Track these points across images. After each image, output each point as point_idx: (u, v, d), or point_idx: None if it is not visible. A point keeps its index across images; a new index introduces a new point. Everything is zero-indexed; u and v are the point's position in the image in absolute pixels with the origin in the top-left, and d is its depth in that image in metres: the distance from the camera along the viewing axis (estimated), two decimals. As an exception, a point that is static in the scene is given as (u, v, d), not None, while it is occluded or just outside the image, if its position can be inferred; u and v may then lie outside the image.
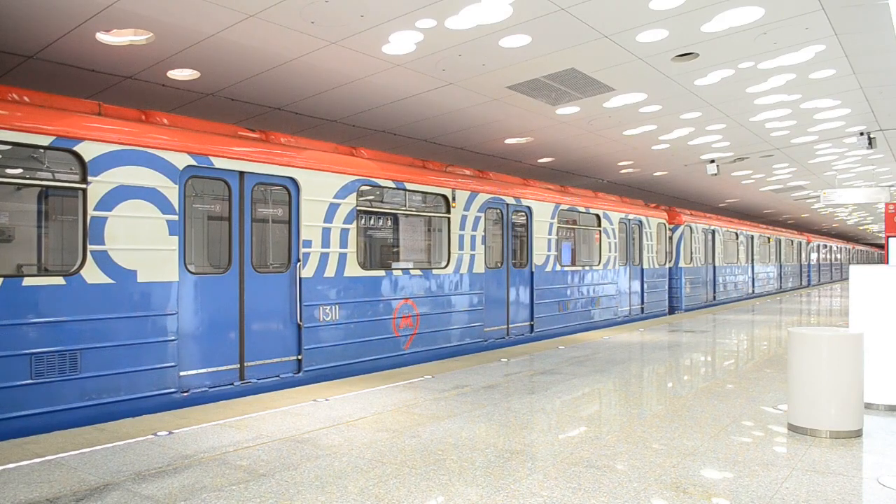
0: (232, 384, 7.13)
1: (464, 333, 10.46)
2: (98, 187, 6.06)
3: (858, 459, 4.74)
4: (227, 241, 7.26)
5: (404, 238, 10.62)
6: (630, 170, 18.81)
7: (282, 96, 10.25)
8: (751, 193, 25.94)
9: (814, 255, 39.71)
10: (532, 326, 12.18)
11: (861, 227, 49.59)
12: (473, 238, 10.67)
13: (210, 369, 6.99)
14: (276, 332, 7.64)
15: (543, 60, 8.94)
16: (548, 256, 12.56)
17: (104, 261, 6.10)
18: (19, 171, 6.18)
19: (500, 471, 4.41)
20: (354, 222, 8.59)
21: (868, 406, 6.13)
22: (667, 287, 18.33)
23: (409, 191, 9.65)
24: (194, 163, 6.84)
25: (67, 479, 4.27)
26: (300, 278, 7.84)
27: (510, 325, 11.63)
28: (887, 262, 16.64)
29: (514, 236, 11.86)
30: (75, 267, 5.97)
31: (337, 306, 8.31)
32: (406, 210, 9.93)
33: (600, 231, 14.65)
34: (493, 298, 11.20)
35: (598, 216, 14.57)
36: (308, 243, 7.95)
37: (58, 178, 6.22)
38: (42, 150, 5.96)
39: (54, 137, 5.79)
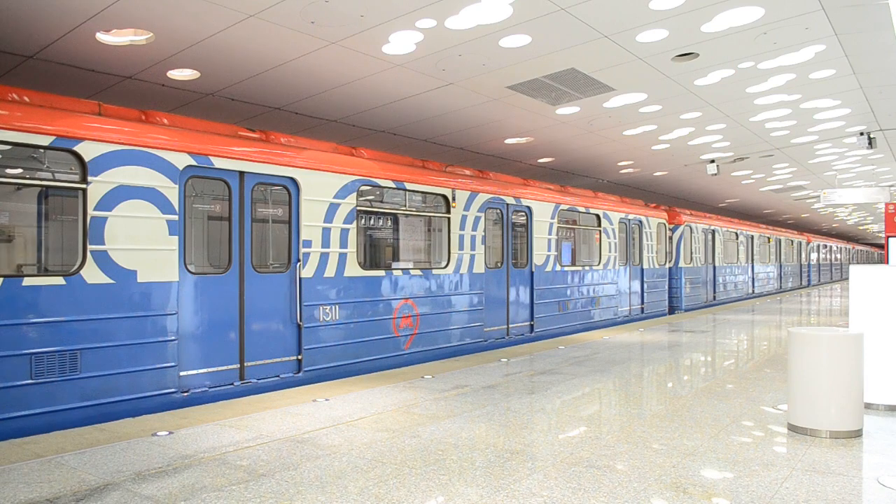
0: (232, 384, 7.13)
1: (464, 333, 10.46)
2: (98, 187, 6.06)
3: (858, 459, 4.74)
4: (227, 241, 7.26)
5: (404, 238, 10.62)
6: (630, 170, 18.81)
7: (282, 96, 10.25)
8: (751, 193, 25.95)
9: (814, 255, 39.71)
10: (532, 326, 12.18)
11: (861, 227, 49.60)
12: (473, 238, 10.67)
13: (210, 369, 6.99)
14: (276, 332, 7.64)
15: (543, 60, 8.94)
16: (548, 256, 12.56)
17: (104, 261, 6.10)
18: (19, 171, 6.18)
19: (500, 471, 4.41)
20: (354, 222, 8.59)
21: (868, 406, 6.13)
22: (667, 287, 18.33)
23: (409, 191, 9.65)
24: (194, 163, 6.84)
25: (67, 479, 4.27)
26: (300, 278, 7.84)
27: (510, 325, 11.63)
28: (887, 262, 16.64)
29: (514, 236, 11.86)
30: (75, 267, 5.97)
31: (337, 306, 8.31)
32: (406, 210, 9.93)
33: (600, 231, 14.65)
34: (493, 298, 11.20)
35: (598, 216, 14.57)
36: (308, 243, 7.95)
37: (58, 178, 6.22)
38: (42, 150, 5.96)
39: (54, 137, 5.79)
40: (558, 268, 12.94)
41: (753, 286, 26.47)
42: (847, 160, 18.32)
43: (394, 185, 9.31)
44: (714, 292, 21.92)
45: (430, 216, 10.45)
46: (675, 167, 18.66)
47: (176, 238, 6.64)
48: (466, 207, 10.56)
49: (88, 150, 6.00)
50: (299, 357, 7.85)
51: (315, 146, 8.40)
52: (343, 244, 8.40)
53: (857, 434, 5.26)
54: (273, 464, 4.58)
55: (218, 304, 7.08)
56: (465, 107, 11.24)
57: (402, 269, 9.50)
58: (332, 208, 8.29)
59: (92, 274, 6.01)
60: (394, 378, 7.96)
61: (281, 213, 8.03)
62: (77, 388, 5.91)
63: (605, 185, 21.11)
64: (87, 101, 6.34)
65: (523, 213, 12.07)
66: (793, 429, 5.42)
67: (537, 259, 12.27)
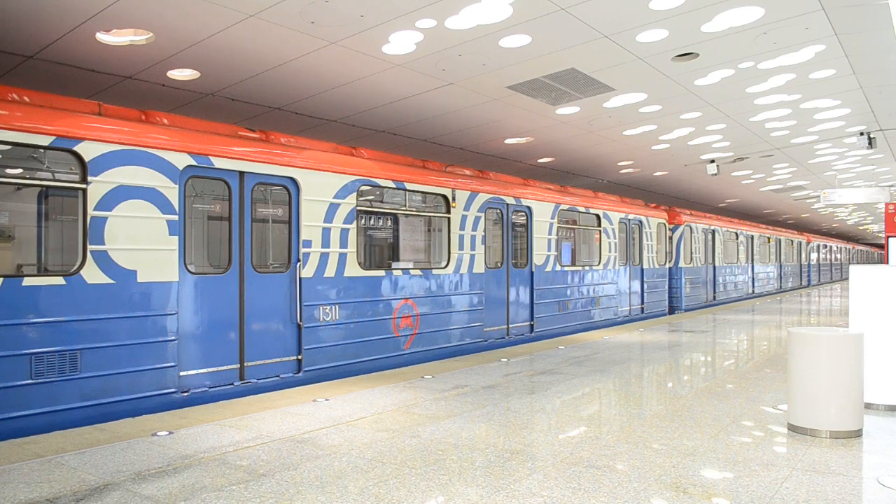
0: (232, 384, 7.13)
1: (464, 333, 10.46)
2: (98, 187, 6.06)
3: (858, 459, 4.74)
4: (227, 241, 7.26)
5: (404, 238, 10.62)
6: (630, 170, 18.81)
7: (282, 96, 10.25)
8: (751, 193, 25.94)
9: (814, 255, 39.71)
10: (532, 326, 12.18)
11: (861, 227, 49.60)
12: (473, 238, 10.67)
13: (210, 369, 6.98)
14: (276, 332, 7.64)
15: (543, 60, 8.94)
16: (548, 256, 12.56)
17: (104, 261, 6.10)
18: (19, 171, 6.18)
19: (500, 471, 4.41)
20: (354, 222, 8.59)
21: (868, 406, 6.13)
22: (667, 287, 18.32)
23: (409, 191, 9.65)
24: (194, 163, 6.84)
25: (67, 479, 4.27)
26: (300, 278, 7.84)
27: (510, 325, 11.63)
28: (887, 262, 16.64)
29: (514, 236, 11.86)
30: (75, 267, 5.97)
31: (337, 306, 8.30)
32: (406, 210, 9.93)
33: (600, 231, 14.65)
34: (493, 298, 11.20)
35: (598, 216, 14.57)
36: (308, 243, 7.95)
37: (58, 178, 6.22)
38: (42, 150, 5.96)
39: (54, 137, 5.79)
40: (558, 268, 12.93)
41: (753, 286, 26.47)
42: (847, 160, 18.32)
43: (394, 185, 9.31)
44: (714, 292, 21.92)
45: (430, 216, 10.45)
46: (675, 167, 18.66)
47: (176, 238, 6.64)
48: (466, 207, 10.56)
49: (88, 150, 6.00)
50: (299, 357, 7.85)
51: (315, 146, 8.40)
52: (343, 244, 8.40)
53: (857, 434, 5.26)
54: (273, 464, 4.58)
55: (218, 304, 7.08)
56: (465, 107, 11.24)
57: (402, 269, 9.50)
58: (332, 208, 8.29)
59: (92, 274, 6.01)
60: (394, 378, 7.96)
61: (281, 213, 8.03)
62: (77, 388, 5.91)
63: (605, 185, 21.11)
64: (87, 101, 6.34)
65: (523, 213, 12.07)
66: (793, 429, 5.42)
67: (537, 259, 12.27)
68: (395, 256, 10.38)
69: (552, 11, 7.28)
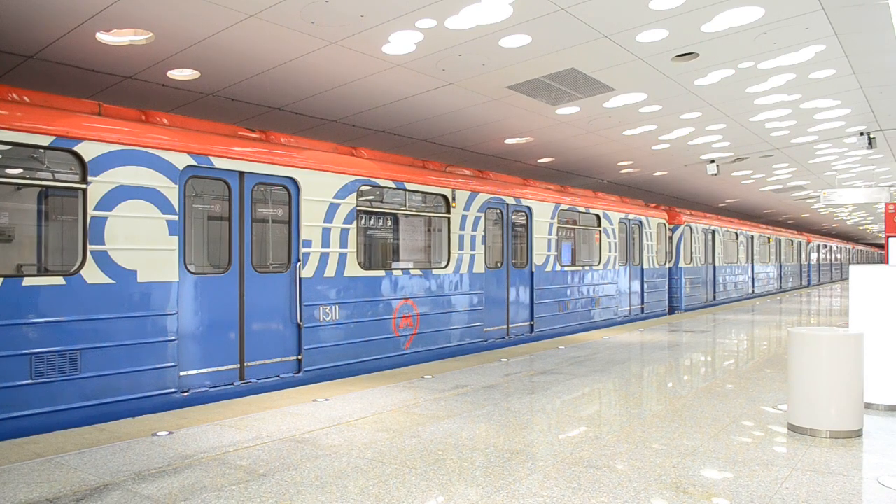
0: (232, 384, 7.13)
1: (464, 333, 10.46)
2: (98, 187, 6.06)
3: (858, 459, 4.74)
4: (227, 241, 7.26)
5: (404, 238, 10.62)
6: (630, 170, 18.82)
7: (282, 96, 10.25)
8: (751, 193, 25.95)
9: (814, 255, 39.71)
10: (532, 326, 12.17)
11: (861, 227, 49.60)
12: (473, 238, 10.67)
13: (210, 369, 6.98)
14: (276, 332, 7.64)
15: (543, 60, 8.94)
16: (548, 256, 12.56)
17: (104, 261, 6.10)
18: (19, 171, 6.18)
19: (500, 471, 4.41)
20: (354, 222, 8.59)
21: (868, 406, 6.13)
22: (667, 287, 18.32)
23: (409, 191, 9.65)
24: (194, 163, 6.84)
25: (67, 479, 4.27)
26: (300, 278, 7.84)
27: (510, 325, 11.63)
28: (887, 262, 16.63)
29: (514, 236, 11.86)
30: (75, 267, 5.97)
31: (337, 306, 8.30)
32: (406, 210, 9.93)
33: (600, 231, 14.65)
34: (493, 298, 11.20)
35: (598, 216, 14.57)
36: (308, 243, 7.95)
37: (58, 178, 6.22)
38: (42, 150, 5.96)
39: (54, 137, 5.79)
40: (558, 268, 12.93)
41: (753, 286, 26.47)
42: (847, 160, 18.32)
43: (394, 185, 9.31)
44: (714, 292, 21.92)
45: (430, 216, 10.45)
46: (675, 167, 18.67)
47: (176, 238, 6.64)
48: (466, 207, 10.55)
49: (88, 150, 6.00)
50: (299, 357, 7.85)
51: (315, 146, 8.40)
52: (343, 244, 8.40)
53: (857, 434, 5.26)
54: (273, 464, 4.58)
55: (218, 304, 7.07)
56: (465, 107, 11.24)
57: (402, 269, 9.50)
58: (332, 208, 8.29)
59: (92, 274, 6.01)
60: (394, 378, 7.96)
61: (281, 213, 8.03)
62: (77, 388, 5.91)
63: (605, 185, 21.11)
64: (87, 101, 6.34)
65: (523, 213, 12.07)
66: (793, 429, 5.42)
67: (537, 259, 12.27)
68: (395, 256, 10.38)
69: (552, 11, 7.28)
